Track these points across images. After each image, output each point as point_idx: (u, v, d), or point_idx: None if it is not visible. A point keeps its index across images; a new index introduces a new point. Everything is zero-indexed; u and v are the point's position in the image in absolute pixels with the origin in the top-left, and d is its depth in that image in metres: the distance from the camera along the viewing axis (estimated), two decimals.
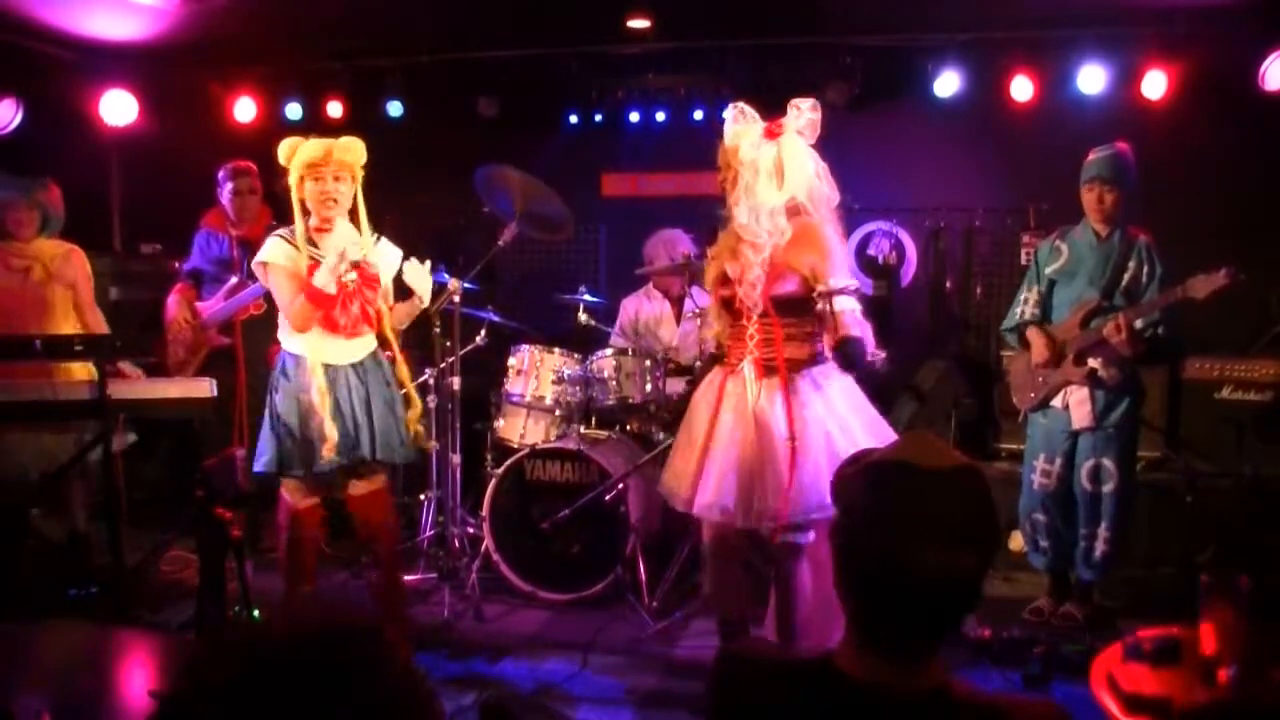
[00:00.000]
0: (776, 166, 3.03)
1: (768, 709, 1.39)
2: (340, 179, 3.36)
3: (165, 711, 0.95)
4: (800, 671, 1.40)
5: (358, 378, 3.42)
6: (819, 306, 2.99)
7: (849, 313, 3.00)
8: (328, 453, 3.32)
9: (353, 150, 3.37)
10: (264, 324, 3.57)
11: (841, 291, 2.97)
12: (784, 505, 2.92)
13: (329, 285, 3.31)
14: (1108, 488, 3.93)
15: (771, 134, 3.04)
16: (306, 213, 3.39)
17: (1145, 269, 3.91)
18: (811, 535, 3.04)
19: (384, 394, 3.47)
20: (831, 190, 3.12)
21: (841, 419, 3.01)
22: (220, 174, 4.74)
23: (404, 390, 3.53)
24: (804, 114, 3.06)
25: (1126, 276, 3.93)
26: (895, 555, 1.28)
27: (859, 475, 1.37)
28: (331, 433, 3.31)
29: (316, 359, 3.36)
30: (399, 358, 3.53)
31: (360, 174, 3.41)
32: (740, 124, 3.06)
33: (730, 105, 3.12)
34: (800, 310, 3.04)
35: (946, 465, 1.32)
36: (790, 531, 3.02)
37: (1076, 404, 3.95)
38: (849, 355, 2.95)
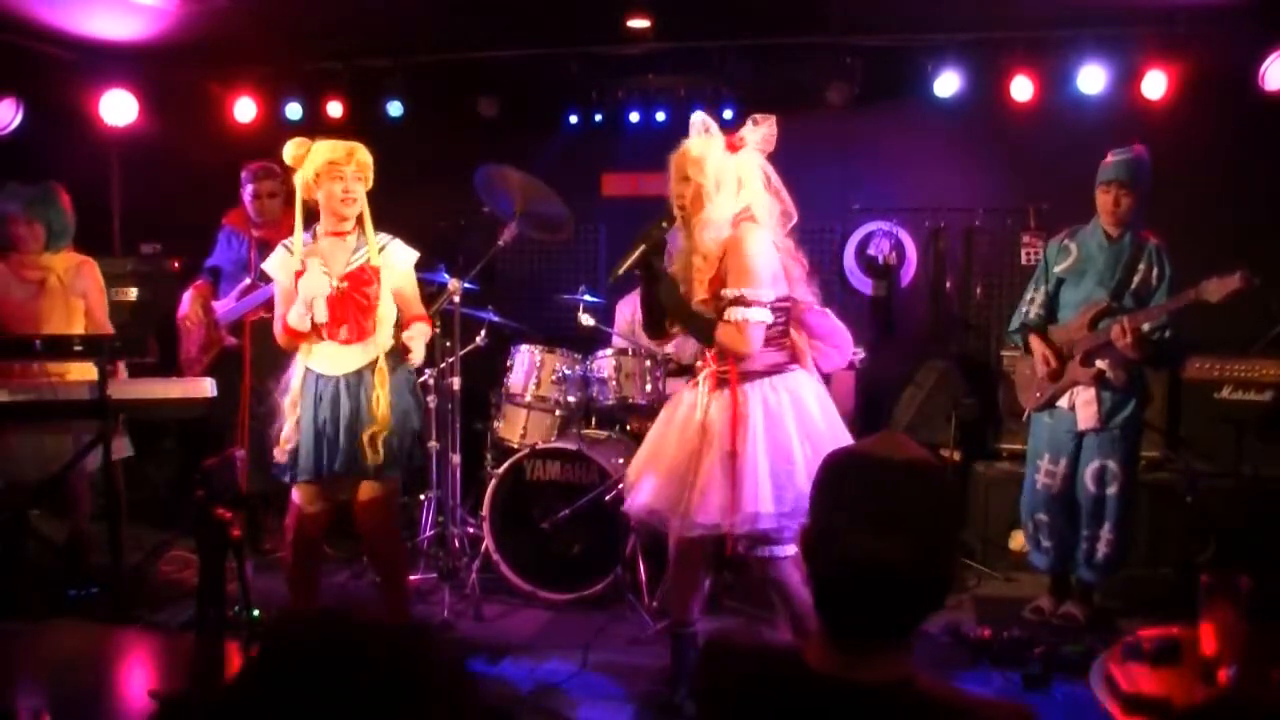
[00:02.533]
0: (736, 180, 3.03)
1: (743, 697, 1.41)
2: (360, 179, 3.34)
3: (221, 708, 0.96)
4: (772, 661, 1.42)
5: (347, 391, 3.36)
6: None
7: (742, 324, 2.96)
8: (278, 458, 3.37)
9: (367, 154, 3.37)
10: (273, 326, 3.56)
11: (736, 302, 2.94)
12: (724, 517, 2.95)
13: (301, 324, 3.30)
14: (1111, 489, 3.93)
15: (732, 147, 3.05)
16: (315, 216, 3.37)
17: (1155, 271, 3.91)
18: (791, 548, 3.06)
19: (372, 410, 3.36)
20: (788, 205, 3.13)
21: (786, 432, 3.00)
22: (243, 174, 4.70)
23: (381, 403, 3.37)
24: (761, 128, 3.07)
25: (1136, 279, 3.92)
26: (835, 538, 1.30)
27: (820, 468, 1.40)
28: (288, 443, 3.34)
29: (302, 364, 3.40)
30: (382, 367, 3.37)
31: (371, 179, 3.40)
32: (707, 136, 3.05)
33: (695, 117, 3.10)
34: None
35: (900, 457, 1.33)
36: (760, 545, 3.04)
37: (1083, 404, 3.95)
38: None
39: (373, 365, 3.38)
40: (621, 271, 3.07)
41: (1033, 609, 4.16)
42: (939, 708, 1.31)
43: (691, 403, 3.14)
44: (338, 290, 3.33)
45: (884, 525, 1.27)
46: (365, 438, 3.32)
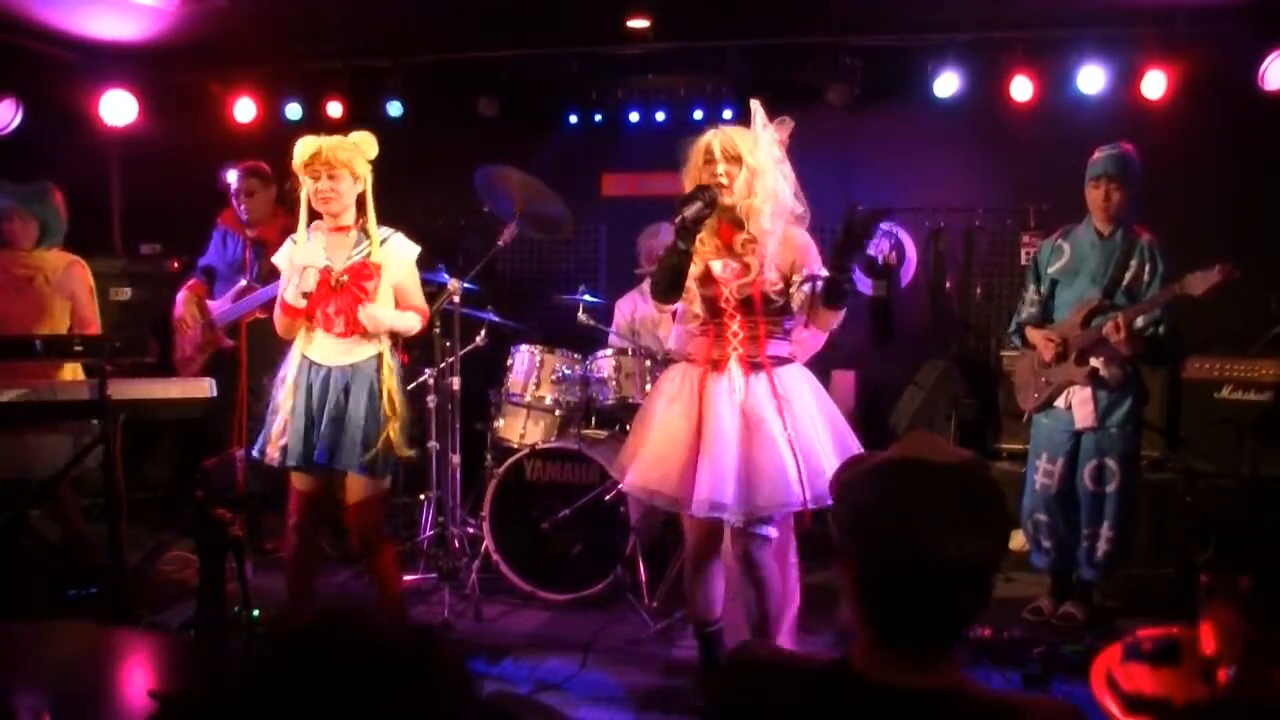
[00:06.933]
0: (781, 173, 3.11)
1: (780, 712, 1.39)
2: (335, 176, 3.28)
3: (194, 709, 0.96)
4: (815, 674, 1.40)
5: (342, 381, 3.34)
6: (804, 289, 3.05)
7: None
8: (272, 450, 3.34)
9: (348, 147, 3.29)
10: (269, 327, 3.55)
11: (819, 276, 3.05)
12: (791, 497, 2.93)
13: (296, 300, 3.31)
14: (1110, 487, 3.93)
15: (781, 143, 3.14)
16: (312, 212, 3.36)
17: (1147, 268, 3.91)
18: (775, 529, 3.08)
19: (370, 403, 3.34)
20: (803, 205, 3.20)
21: (814, 415, 3.08)
22: (232, 173, 4.74)
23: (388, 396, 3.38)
24: (788, 127, 3.14)
25: (1128, 275, 3.92)
26: (913, 547, 1.29)
27: (868, 475, 1.37)
28: (281, 432, 3.33)
29: (299, 351, 3.39)
30: (388, 362, 3.39)
31: (363, 170, 3.34)
32: (765, 127, 3.12)
33: (754, 102, 3.15)
34: (780, 309, 3.11)
35: (954, 459, 1.35)
36: (757, 524, 3.04)
37: (1079, 404, 3.95)
38: (833, 289, 2.98)
39: (369, 360, 3.36)
40: (690, 215, 2.94)
41: (1032, 609, 4.16)
42: (992, 710, 1.31)
43: (726, 390, 3.06)
44: (338, 283, 3.33)
45: (956, 528, 1.29)
46: (381, 433, 3.31)
